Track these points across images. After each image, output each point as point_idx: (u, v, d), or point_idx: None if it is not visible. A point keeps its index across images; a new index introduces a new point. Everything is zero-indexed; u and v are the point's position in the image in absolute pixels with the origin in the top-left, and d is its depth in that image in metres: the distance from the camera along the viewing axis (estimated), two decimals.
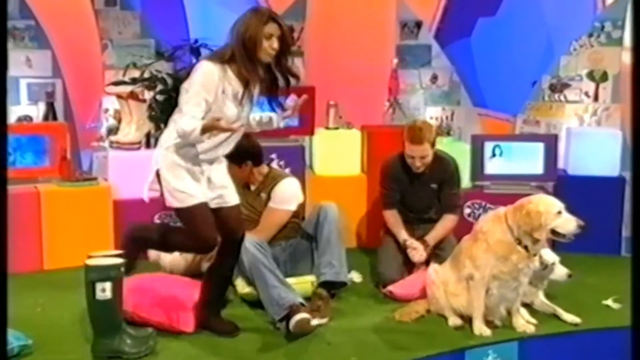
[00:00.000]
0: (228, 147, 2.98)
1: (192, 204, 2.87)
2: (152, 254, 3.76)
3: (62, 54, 5.20)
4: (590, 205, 4.51)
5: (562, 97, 5.24)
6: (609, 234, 4.55)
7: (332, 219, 3.64)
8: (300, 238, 3.77)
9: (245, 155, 3.62)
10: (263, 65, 2.88)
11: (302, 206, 3.89)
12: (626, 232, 4.55)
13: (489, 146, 4.64)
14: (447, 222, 4.00)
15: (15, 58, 5.04)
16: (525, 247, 3.14)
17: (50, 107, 5.07)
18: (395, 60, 5.12)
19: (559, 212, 3.13)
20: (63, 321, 3.31)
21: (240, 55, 2.81)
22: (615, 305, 3.66)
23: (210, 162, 2.95)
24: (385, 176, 4.11)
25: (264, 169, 3.84)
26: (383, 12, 5.49)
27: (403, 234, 3.96)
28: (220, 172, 3.03)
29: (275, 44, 2.81)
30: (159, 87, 4.62)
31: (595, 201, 4.51)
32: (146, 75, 4.56)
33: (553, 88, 5.27)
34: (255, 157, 3.75)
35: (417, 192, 4.04)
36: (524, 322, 3.32)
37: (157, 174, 2.94)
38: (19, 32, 5.06)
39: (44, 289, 3.75)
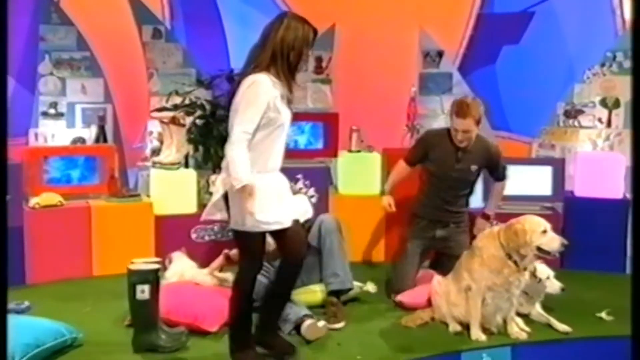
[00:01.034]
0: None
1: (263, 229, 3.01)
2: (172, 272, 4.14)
3: (113, 81, 5.75)
4: (596, 226, 4.86)
5: (576, 123, 5.55)
6: (614, 253, 4.83)
7: (332, 230, 3.93)
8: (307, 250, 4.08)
9: None
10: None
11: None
12: (631, 251, 4.83)
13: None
14: (502, 187, 4.39)
15: (72, 86, 5.63)
16: (515, 262, 3.48)
17: (102, 129, 5.59)
18: (414, 89, 5.49)
19: (544, 231, 3.45)
20: (108, 320, 3.77)
21: (284, 61, 2.93)
22: (608, 318, 3.95)
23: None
24: (419, 139, 4.50)
25: None
26: (407, 42, 5.88)
27: (390, 185, 4.41)
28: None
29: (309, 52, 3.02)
30: (198, 112, 5.12)
31: (601, 222, 4.82)
32: (186, 101, 5.06)
33: (568, 114, 5.59)
34: None
35: (459, 169, 4.18)
36: (518, 330, 3.64)
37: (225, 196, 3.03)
38: (76, 62, 5.63)
39: (92, 292, 4.23)
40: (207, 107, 5.16)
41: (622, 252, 4.84)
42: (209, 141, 4.97)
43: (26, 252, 4.42)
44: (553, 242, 3.44)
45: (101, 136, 5.57)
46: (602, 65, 5.41)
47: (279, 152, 3.05)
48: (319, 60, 5.85)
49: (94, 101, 5.69)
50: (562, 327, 3.75)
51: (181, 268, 4.11)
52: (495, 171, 4.32)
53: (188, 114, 4.97)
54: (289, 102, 3.01)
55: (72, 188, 4.66)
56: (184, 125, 4.86)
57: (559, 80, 5.73)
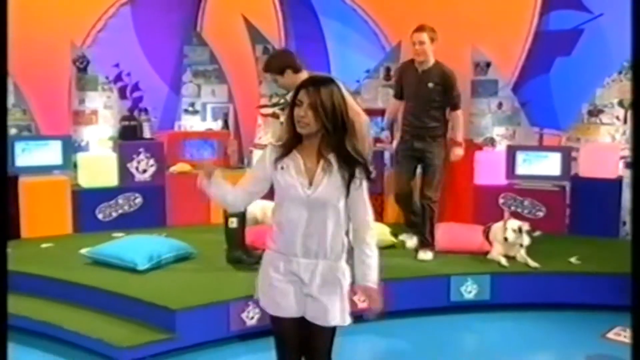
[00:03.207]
0: None
1: None
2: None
3: (234, 87, 7.66)
4: (595, 199, 6.04)
5: (598, 120, 6.68)
6: (609, 221, 5.98)
7: None
8: None
9: (283, 64, 4.55)
10: None
11: None
12: (623, 218, 5.98)
13: (520, 154, 6.29)
14: (457, 117, 5.32)
15: (205, 90, 7.60)
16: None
17: (225, 122, 7.51)
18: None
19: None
20: (214, 245, 5.46)
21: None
22: (576, 262, 5.20)
23: None
24: (395, 73, 5.52)
25: (304, 74, 4.43)
26: (461, 55, 7.26)
27: (387, 120, 5.66)
28: None
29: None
30: None
31: (599, 196, 6.00)
32: (281, 101, 6.81)
33: (590, 113, 6.73)
34: (292, 64, 4.54)
35: (420, 88, 5.13)
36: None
37: None
38: (208, 73, 7.60)
39: (210, 231, 6.00)
40: None
41: (615, 220, 5.99)
42: None
43: (167, 203, 6.38)
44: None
45: (225, 127, 7.51)
46: (620, 72, 6.50)
47: None
48: (387, 69, 7.41)
49: (220, 101, 7.62)
50: (533, 263, 5.08)
51: (264, 205, 5.43)
52: (450, 95, 5.18)
53: (283, 110, 6.70)
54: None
55: (198, 161, 6.58)
56: (278, 118, 6.61)
57: (584, 84, 6.86)
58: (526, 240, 5.14)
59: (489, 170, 6.38)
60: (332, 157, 2.56)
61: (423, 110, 5.21)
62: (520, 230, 5.13)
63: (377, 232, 5.03)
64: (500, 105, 7.20)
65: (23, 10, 6.46)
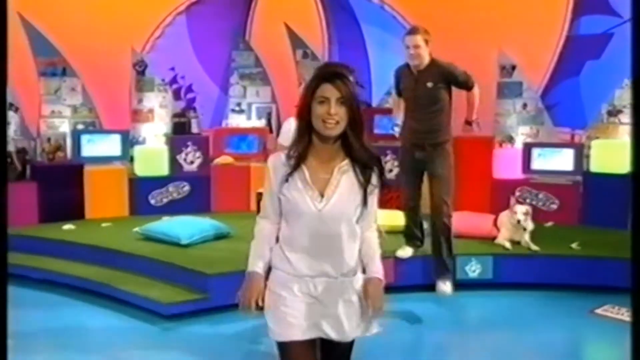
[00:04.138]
0: None
1: None
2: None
3: (278, 88, 8.37)
4: (605, 193, 6.44)
5: (617, 120, 7.05)
6: (618, 213, 6.34)
7: None
8: None
9: None
10: None
11: None
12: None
13: (535, 150, 6.74)
14: (473, 95, 4.99)
15: (250, 91, 8.33)
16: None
17: (268, 121, 8.22)
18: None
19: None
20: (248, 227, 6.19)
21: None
22: (577, 248, 5.63)
23: None
24: (393, 76, 5.12)
25: None
26: (487, 58, 7.75)
27: (395, 116, 5.23)
28: None
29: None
30: None
31: (609, 190, 6.38)
32: None
33: (610, 113, 7.10)
34: None
35: (418, 89, 4.81)
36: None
37: None
38: (253, 75, 8.33)
39: (249, 217, 6.71)
40: None
41: (624, 213, 6.34)
42: None
43: (211, 191, 7.13)
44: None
45: (268, 125, 8.21)
46: None
47: None
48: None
49: (264, 101, 8.34)
50: (534, 247, 5.55)
51: None
52: (458, 83, 4.90)
53: None
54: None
55: (240, 154, 7.31)
56: None
57: (611, 86, 7.20)
58: (530, 225, 5.61)
59: (506, 165, 6.86)
60: (347, 162, 2.35)
61: (424, 114, 4.87)
62: (527, 213, 5.61)
63: (394, 218, 5.59)
64: (524, 105, 7.63)
65: (90, 22, 7.37)
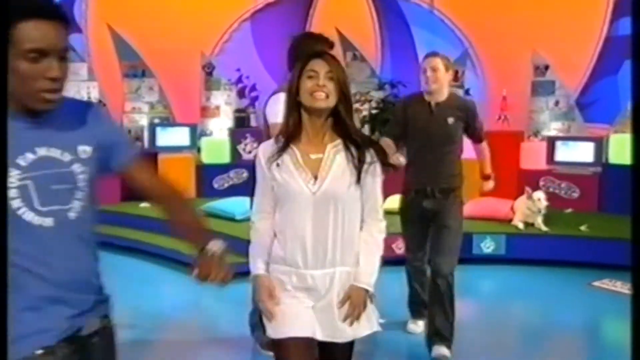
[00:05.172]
0: None
1: None
2: None
3: None
4: (623, 183, 6.97)
5: None
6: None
7: None
8: None
9: None
10: None
11: None
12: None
13: (558, 143, 7.36)
14: (485, 148, 4.31)
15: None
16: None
17: None
18: (504, 92, 8.03)
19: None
20: None
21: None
22: (585, 230, 6.25)
23: None
24: (395, 107, 4.36)
25: None
26: (521, 58, 8.39)
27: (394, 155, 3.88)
28: None
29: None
30: (373, 104, 8.33)
31: (626, 181, 6.91)
32: (362, 98, 8.31)
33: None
34: None
35: (435, 125, 3.95)
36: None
37: None
38: None
39: None
40: (379, 103, 8.35)
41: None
42: (375, 122, 8.14)
43: None
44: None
45: None
46: None
47: None
48: (456, 72, 8.68)
49: None
50: (544, 228, 6.21)
51: None
52: (475, 127, 4.09)
53: (362, 104, 8.19)
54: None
55: None
56: (358, 111, 8.10)
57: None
58: (544, 208, 6.28)
59: (532, 157, 7.50)
60: (339, 142, 2.29)
61: (437, 155, 3.99)
62: (541, 199, 6.30)
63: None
64: (557, 103, 8.23)
65: (166, 29, 8.49)
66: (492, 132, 7.70)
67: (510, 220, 6.42)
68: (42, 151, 1.70)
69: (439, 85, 3.95)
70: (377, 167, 2.31)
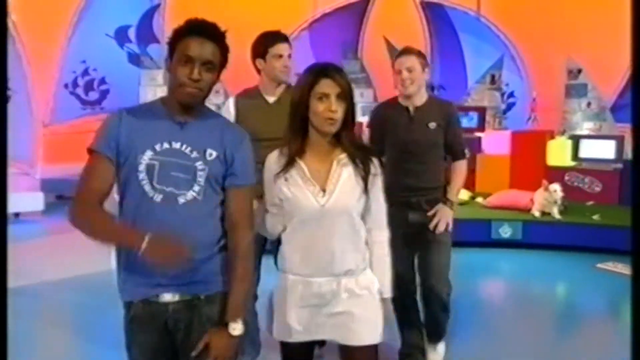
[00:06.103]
0: None
1: None
2: None
3: (378, 91, 10.07)
4: None
5: None
6: None
7: None
8: None
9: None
10: None
11: None
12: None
13: (582, 141, 7.92)
14: (461, 169, 3.66)
15: (356, 93, 9.98)
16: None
17: None
18: (534, 94, 8.62)
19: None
20: None
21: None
22: (597, 219, 6.82)
23: None
24: (371, 116, 3.80)
25: None
26: (556, 62, 8.96)
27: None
28: None
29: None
30: None
31: None
32: None
33: None
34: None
35: (415, 132, 3.52)
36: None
37: None
38: (357, 80, 10.05)
39: None
40: None
41: None
42: None
43: None
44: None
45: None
46: None
47: None
48: (492, 76, 9.33)
49: (367, 102, 10.04)
50: (557, 216, 6.82)
51: None
52: (455, 135, 3.61)
53: None
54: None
55: None
56: None
57: None
58: (559, 199, 6.89)
59: (558, 153, 8.06)
60: (345, 155, 2.31)
61: (420, 164, 3.58)
62: (557, 190, 6.92)
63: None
64: (589, 104, 8.76)
65: (230, 38, 9.53)
66: (518, 132, 8.37)
67: (530, 209, 7.06)
68: (176, 145, 2.11)
69: (416, 86, 3.51)
70: (381, 178, 2.38)
